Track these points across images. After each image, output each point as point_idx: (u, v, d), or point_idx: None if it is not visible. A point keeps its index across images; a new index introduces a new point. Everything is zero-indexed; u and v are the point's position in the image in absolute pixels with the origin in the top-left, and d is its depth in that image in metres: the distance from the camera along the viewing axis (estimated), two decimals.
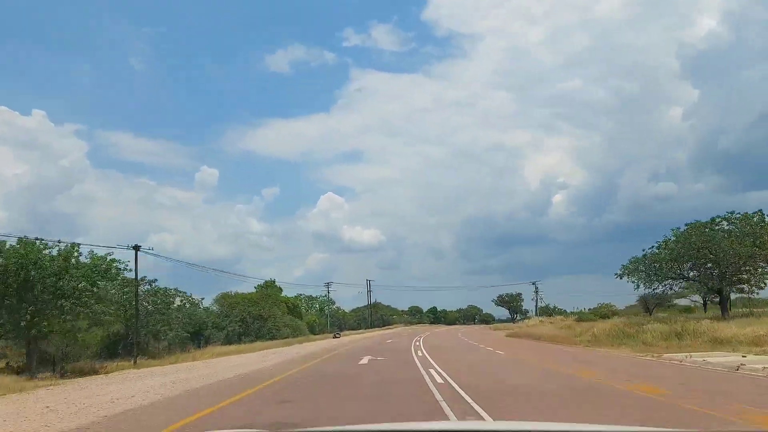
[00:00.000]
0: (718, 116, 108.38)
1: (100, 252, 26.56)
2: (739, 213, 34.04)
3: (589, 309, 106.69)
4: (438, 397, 11.09)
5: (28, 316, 22.25)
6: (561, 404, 10.09)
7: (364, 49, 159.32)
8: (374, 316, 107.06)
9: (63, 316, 23.14)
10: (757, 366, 15.08)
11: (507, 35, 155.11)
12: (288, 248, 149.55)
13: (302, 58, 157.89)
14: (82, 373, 22.30)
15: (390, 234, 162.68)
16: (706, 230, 33.68)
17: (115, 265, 26.41)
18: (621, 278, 36.59)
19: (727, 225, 34.20)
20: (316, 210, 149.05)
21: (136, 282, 32.18)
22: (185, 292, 44.37)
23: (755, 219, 33.23)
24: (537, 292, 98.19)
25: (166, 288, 39.14)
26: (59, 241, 24.51)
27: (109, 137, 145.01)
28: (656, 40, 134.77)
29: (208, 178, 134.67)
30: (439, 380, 14.35)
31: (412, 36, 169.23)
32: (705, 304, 43.19)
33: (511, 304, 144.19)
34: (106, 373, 22.59)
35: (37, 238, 23.76)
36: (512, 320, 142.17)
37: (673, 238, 35.23)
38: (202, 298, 50.11)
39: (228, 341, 47.01)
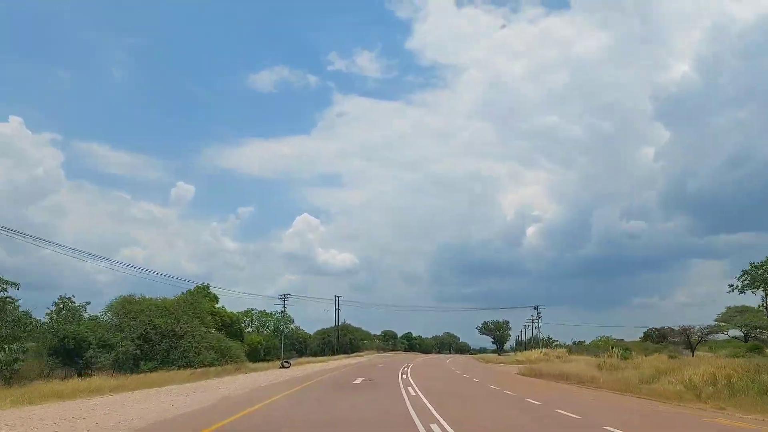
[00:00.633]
0: (688, 158, 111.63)
1: None
2: None
3: (581, 342, 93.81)
4: None
5: None
6: None
7: (347, 75, 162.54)
8: (342, 339, 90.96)
9: None
10: None
11: (489, 68, 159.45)
12: (260, 268, 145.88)
13: (286, 79, 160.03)
14: None
15: (364, 257, 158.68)
16: None
17: None
18: (742, 292, 22.20)
19: None
20: (291, 230, 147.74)
21: None
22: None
23: None
24: (539, 318, 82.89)
25: None
26: None
27: (86, 148, 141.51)
28: (632, 82, 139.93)
29: (184, 194, 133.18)
30: None
31: (395, 64, 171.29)
32: None
33: (497, 332, 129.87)
34: None
35: None
36: (498, 351, 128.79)
37: None
38: (87, 303, 34.41)
39: (118, 367, 31.28)
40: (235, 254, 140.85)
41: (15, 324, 26.34)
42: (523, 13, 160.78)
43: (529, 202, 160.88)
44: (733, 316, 49.73)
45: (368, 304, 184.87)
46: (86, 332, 31.22)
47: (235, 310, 55.10)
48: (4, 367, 24.14)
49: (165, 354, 32.99)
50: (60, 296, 33.82)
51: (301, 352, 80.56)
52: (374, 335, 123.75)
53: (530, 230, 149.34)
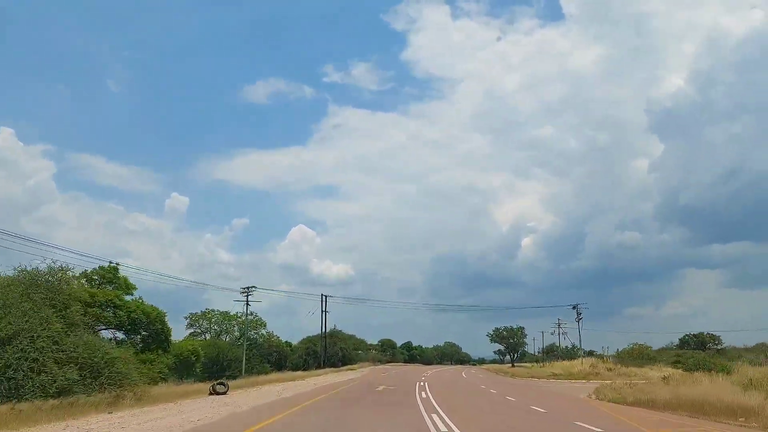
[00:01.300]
0: (681, 171, 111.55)
1: None
2: None
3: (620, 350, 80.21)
4: None
5: None
6: None
7: (343, 86, 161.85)
8: (332, 349, 73.80)
9: None
10: None
11: (485, 80, 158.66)
12: (255, 279, 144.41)
13: (282, 90, 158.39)
14: None
15: (360, 269, 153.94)
16: None
17: None
18: None
19: None
20: (286, 242, 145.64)
21: None
22: None
23: None
24: (580, 319, 66.07)
25: None
26: None
27: (81, 159, 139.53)
28: (627, 94, 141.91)
29: (179, 206, 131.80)
30: None
31: (391, 75, 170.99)
32: None
33: (510, 340, 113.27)
34: None
35: None
36: (508, 360, 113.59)
37: None
38: None
39: None
40: (229, 266, 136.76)
41: None
42: (519, 24, 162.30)
43: (524, 213, 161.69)
44: None
45: (362, 298, 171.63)
46: None
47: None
48: None
49: None
50: None
51: (279, 366, 63.44)
52: (370, 345, 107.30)
53: (525, 241, 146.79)
